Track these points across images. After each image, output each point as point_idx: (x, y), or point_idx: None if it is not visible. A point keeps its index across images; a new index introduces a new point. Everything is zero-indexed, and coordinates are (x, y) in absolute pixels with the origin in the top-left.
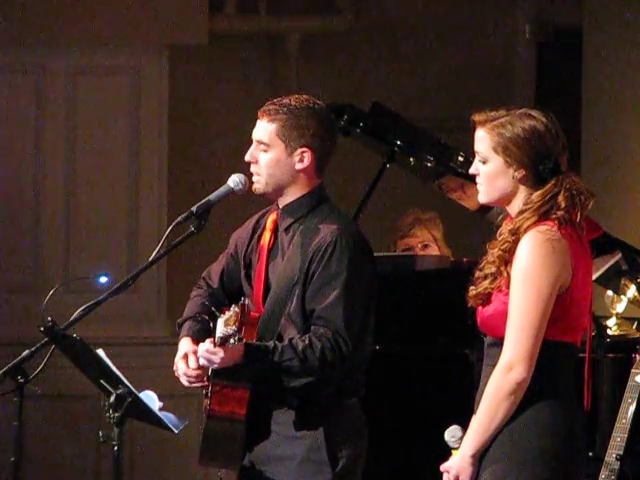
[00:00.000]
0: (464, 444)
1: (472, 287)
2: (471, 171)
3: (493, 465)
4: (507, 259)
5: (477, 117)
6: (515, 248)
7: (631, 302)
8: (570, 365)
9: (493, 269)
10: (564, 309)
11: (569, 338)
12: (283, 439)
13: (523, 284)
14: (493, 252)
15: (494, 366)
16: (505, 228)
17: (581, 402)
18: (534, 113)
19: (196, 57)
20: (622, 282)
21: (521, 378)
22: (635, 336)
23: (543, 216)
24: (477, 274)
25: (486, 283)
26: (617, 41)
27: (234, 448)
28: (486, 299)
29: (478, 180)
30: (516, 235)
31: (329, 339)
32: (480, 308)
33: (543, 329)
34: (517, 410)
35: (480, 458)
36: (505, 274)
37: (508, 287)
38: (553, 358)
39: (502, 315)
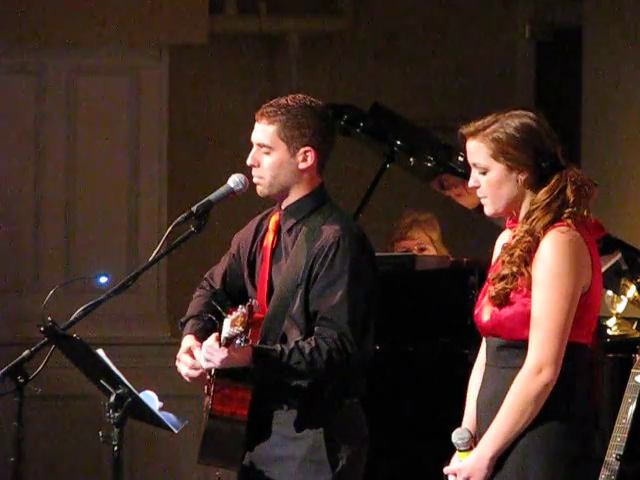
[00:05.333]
0: (483, 445)
1: (490, 288)
2: (471, 184)
3: (508, 470)
4: (527, 259)
5: (466, 130)
6: (535, 248)
7: (631, 302)
8: (585, 366)
9: (514, 269)
10: (584, 309)
11: (584, 339)
12: (283, 439)
13: (549, 285)
14: (512, 252)
15: (508, 368)
16: (520, 229)
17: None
18: (521, 112)
19: (196, 57)
20: (622, 282)
21: (549, 380)
22: (635, 336)
23: (557, 214)
24: (491, 275)
25: (503, 283)
26: (617, 41)
27: (235, 448)
28: (503, 300)
29: (480, 193)
30: (534, 235)
31: (335, 340)
32: (495, 309)
33: (569, 330)
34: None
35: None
36: (526, 274)
37: (529, 288)
38: (572, 359)
39: (522, 316)
